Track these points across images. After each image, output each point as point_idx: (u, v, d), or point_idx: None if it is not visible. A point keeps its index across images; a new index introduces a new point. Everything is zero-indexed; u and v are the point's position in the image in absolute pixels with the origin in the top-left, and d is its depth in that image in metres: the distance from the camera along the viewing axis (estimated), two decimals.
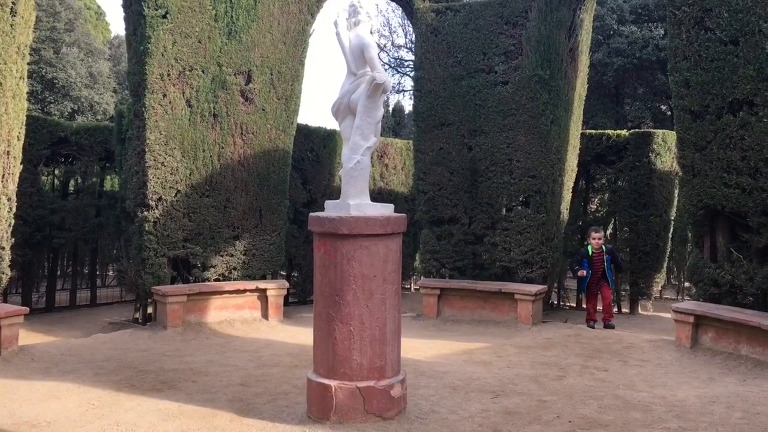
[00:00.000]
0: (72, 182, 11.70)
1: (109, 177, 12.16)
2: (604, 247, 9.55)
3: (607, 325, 9.34)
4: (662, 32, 18.39)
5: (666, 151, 11.17)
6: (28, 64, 7.62)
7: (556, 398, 5.78)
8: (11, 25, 7.10)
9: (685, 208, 8.51)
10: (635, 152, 11.20)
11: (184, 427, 4.98)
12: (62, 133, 10.68)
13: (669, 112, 19.59)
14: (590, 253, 9.47)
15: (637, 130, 12.76)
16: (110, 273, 13.78)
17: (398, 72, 26.76)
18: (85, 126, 11.32)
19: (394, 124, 29.36)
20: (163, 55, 8.59)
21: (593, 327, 9.23)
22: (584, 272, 9.42)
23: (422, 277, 10.90)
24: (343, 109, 5.49)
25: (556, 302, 11.53)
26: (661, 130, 11.72)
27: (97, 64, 23.51)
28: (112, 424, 5.01)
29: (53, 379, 6.19)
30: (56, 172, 11.45)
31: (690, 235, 9.04)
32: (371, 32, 5.69)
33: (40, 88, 21.80)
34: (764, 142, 7.21)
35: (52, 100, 22.17)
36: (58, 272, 12.08)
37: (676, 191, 11.11)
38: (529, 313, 9.19)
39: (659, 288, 12.30)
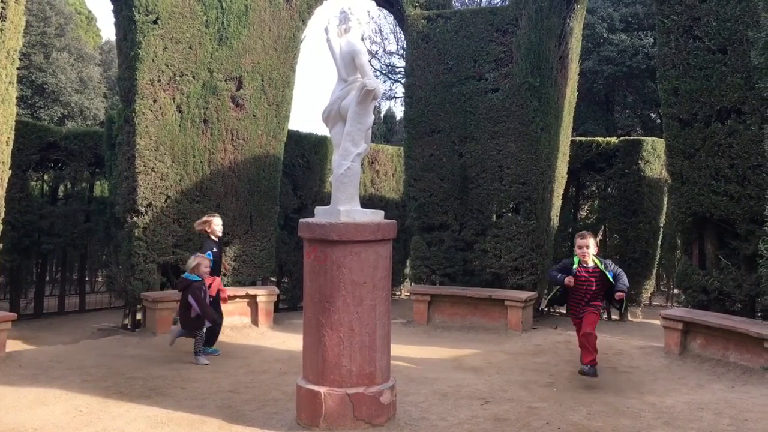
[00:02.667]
0: (61, 187, 11.65)
1: (98, 182, 12.11)
2: (599, 262, 6.47)
3: (584, 371, 6.41)
4: (652, 41, 18.51)
5: (655, 158, 11.24)
6: (18, 68, 7.59)
7: (545, 405, 5.78)
8: (0, 30, 7.08)
9: (674, 216, 8.56)
10: (625, 159, 11.26)
11: None
12: (52, 138, 10.64)
13: (658, 120, 19.71)
14: (575, 266, 6.46)
15: (626, 137, 12.84)
16: (99, 279, 13.72)
17: (390, 78, 26.77)
18: (74, 131, 11.28)
19: (385, 130, 29.41)
20: (153, 61, 8.58)
21: (589, 373, 6.39)
22: (569, 280, 6.38)
23: (412, 284, 10.90)
24: (333, 115, 5.50)
25: (546, 309, 11.56)
26: (650, 138, 11.80)
27: (87, 69, 23.40)
28: (100, 431, 4.98)
29: (41, 386, 6.14)
30: (45, 177, 11.40)
31: (679, 242, 9.08)
32: (363, 39, 5.71)
33: (29, 93, 21.69)
34: (752, 150, 7.27)
35: (42, 105, 22.05)
36: (47, 278, 12.03)
37: (665, 198, 11.16)
38: (519, 320, 9.20)
39: (649, 295, 12.36)
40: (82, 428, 5.05)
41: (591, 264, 6.43)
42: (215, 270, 7.70)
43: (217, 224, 7.81)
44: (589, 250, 6.42)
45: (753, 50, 7.14)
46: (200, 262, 7.21)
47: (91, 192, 11.66)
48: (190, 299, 7.11)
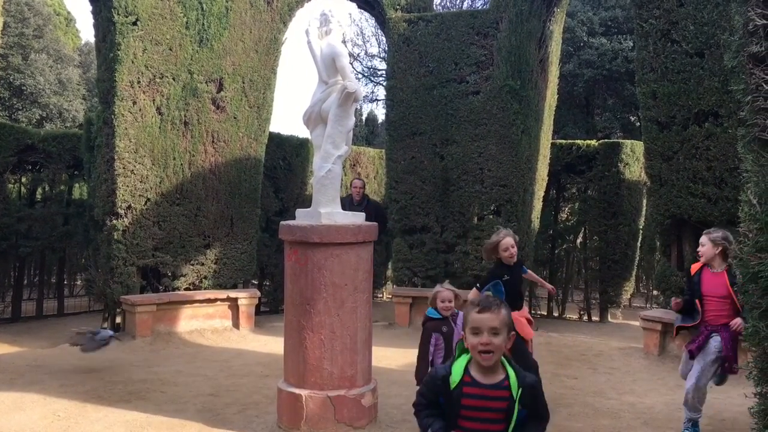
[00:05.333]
0: (39, 190, 11.52)
1: (77, 185, 12.00)
2: (513, 377, 2.64)
3: None
4: (631, 44, 18.67)
5: (634, 161, 11.34)
6: None
7: None
8: None
9: (652, 217, 8.64)
10: (604, 162, 11.35)
11: None
12: (30, 140, 10.52)
13: (638, 123, 19.89)
14: (454, 373, 2.67)
15: (606, 140, 12.94)
16: (78, 282, 13.57)
17: (372, 81, 26.75)
18: (53, 133, 11.17)
19: (367, 133, 29.37)
20: (133, 62, 8.52)
21: None
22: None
23: (394, 286, 10.90)
24: (314, 117, 5.49)
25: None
26: (629, 141, 11.90)
27: (66, 70, 23.17)
28: None
29: (18, 390, 6.07)
30: (23, 179, 11.27)
31: (658, 243, 9.16)
32: (344, 41, 5.70)
33: (7, 95, 21.45)
34: (729, 153, 7.35)
35: (20, 107, 21.81)
36: (25, 281, 11.87)
37: (644, 200, 11.26)
38: None
39: (628, 296, 12.46)
40: None
41: (500, 376, 2.65)
42: (512, 303, 5.21)
43: (505, 247, 5.58)
44: (497, 340, 2.61)
45: (726, 53, 7.23)
46: (437, 292, 5.10)
47: (69, 194, 11.55)
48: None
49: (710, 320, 5.00)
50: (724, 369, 5.01)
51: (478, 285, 5.65)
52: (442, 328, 4.99)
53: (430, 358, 5.00)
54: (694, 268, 5.18)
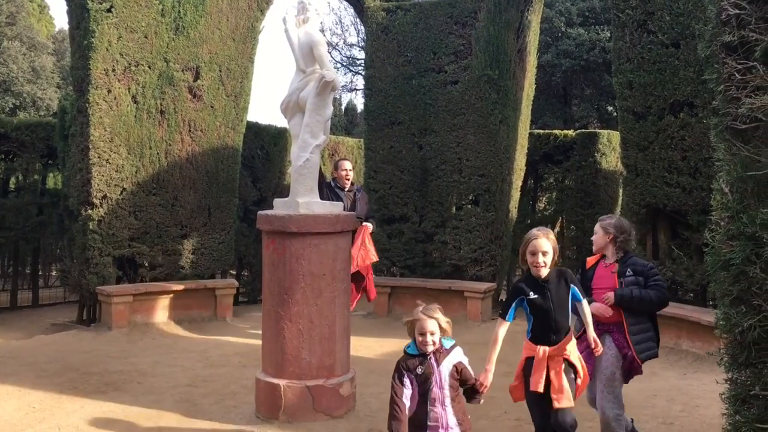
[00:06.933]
0: (12, 179, 11.35)
1: (51, 174, 11.84)
2: None
3: None
4: (608, 35, 18.79)
5: (611, 151, 11.43)
6: None
7: (504, 394, 5.83)
8: None
9: (628, 207, 8.70)
10: (582, 152, 11.43)
11: (129, 430, 4.89)
12: (2, 129, 10.35)
13: (615, 113, 20.04)
14: None
15: (583, 130, 13.02)
16: (53, 273, 13.42)
17: (350, 71, 26.66)
18: (26, 122, 10.99)
19: (346, 122, 29.31)
20: (107, 50, 8.40)
21: None
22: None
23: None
24: (292, 106, 5.46)
25: (504, 299, 11.68)
26: (606, 131, 11.98)
27: (40, 58, 22.81)
28: (54, 428, 4.90)
29: None
30: None
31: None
32: (322, 30, 5.67)
33: None
34: (703, 143, 7.44)
35: None
36: None
37: (621, 190, 11.36)
38: (479, 311, 9.28)
39: None
40: (35, 425, 4.96)
41: None
42: (544, 335, 4.37)
43: (533, 250, 4.07)
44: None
45: (700, 43, 7.30)
46: (414, 320, 3.85)
47: (43, 184, 11.40)
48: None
49: (599, 317, 4.53)
50: (631, 370, 4.64)
51: (501, 312, 4.44)
52: (416, 369, 3.73)
53: (407, 403, 3.73)
54: (590, 261, 4.78)
